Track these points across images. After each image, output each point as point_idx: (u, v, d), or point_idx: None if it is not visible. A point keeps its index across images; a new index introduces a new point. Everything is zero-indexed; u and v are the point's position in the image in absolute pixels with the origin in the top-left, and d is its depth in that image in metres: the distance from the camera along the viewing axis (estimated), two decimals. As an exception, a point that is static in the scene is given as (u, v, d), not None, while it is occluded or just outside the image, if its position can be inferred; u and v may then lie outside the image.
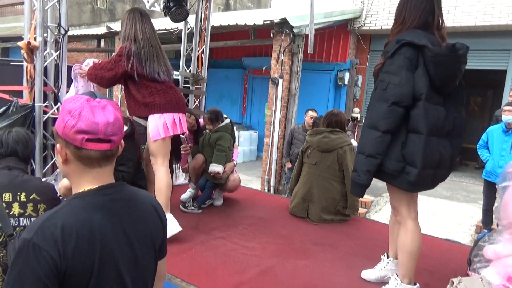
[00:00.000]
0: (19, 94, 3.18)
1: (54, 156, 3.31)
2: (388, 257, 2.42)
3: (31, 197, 1.98)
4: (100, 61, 2.80)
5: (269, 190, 7.07)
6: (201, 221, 3.21)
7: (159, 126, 2.67)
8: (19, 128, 2.19)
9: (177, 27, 8.73)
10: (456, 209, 6.53)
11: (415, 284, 2.12)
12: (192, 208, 3.42)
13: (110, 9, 17.65)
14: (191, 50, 4.50)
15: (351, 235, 3.16)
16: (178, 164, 4.52)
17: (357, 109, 8.84)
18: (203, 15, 4.45)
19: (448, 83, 1.91)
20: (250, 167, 9.25)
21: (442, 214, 6.29)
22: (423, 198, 6.83)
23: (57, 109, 3.21)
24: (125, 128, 2.69)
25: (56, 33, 3.12)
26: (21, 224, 1.93)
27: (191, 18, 4.51)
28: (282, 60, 6.76)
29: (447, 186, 7.73)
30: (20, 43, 2.98)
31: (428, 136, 1.86)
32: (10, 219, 1.90)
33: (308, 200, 3.39)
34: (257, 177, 7.94)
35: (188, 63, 4.53)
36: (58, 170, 3.21)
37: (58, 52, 3.13)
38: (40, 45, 2.98)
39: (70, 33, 11.13)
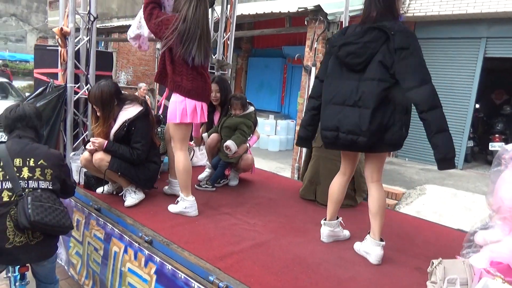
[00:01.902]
0: (55, 76, 3.54)
1: (84, 132, 3.65)
2: None
3: (39, 163, 2.26)
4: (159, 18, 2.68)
5: (299, 177, 7.13)
6: (212, 198, 3.39)
7: (178, 110, 2.71)
8: (24, 104, 2.47)
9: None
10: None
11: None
12: (206, 186, 3.62)
13: None
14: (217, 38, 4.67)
15: (356, 219, 3.18)
16: (201, 146, 4.74)
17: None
18: (229, 3, 4.59)
19: (346, 63, 2.28)
20: (285, 156, 9.34)
21: (478, 209, 6.00)
22: (459, 193, 6.55)
23: (87, 89, 3.53)
24: (140, 108, 2.93)
25: (86, 20, 3.41)
26: (30, 186, 2.22)
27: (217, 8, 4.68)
28: (315, 47, 6.74)
29: (488, 181, 7.30)
30: (55, 29, 3.31)
31: (326, 104, 2.35)
32: (20, 181, 2.19)
33: (316, 182, 3.45)
34: (291, 165, 8.02)
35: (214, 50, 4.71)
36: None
37: (88, 37, 3.42)
38: (71, 31, 3.28)
39: (121, 23, 11.68)
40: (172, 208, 2.94)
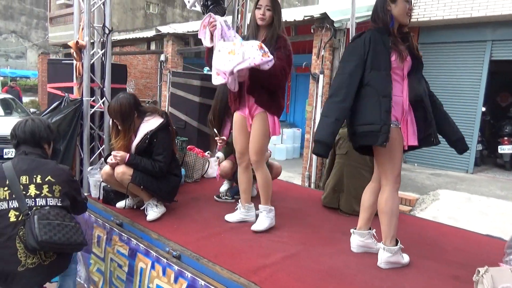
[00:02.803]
0: (70, 90, 3.49)
1: (100, 146, 3.60)
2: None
3: (46, 179, 2.18)
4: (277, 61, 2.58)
5: (309, 186, 7.06)
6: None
7: (276, 124, 2.77)
8: (33, 117, 2.40)
9: (221, 27, 8.99)
10: (510, 208, 6.11)
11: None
12: (226, 198, 3.55)
13: (161, 13, 18.47)
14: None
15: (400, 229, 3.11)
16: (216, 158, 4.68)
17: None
18: (240, 13, 4.58)
19: None
20: (293, 164, 9.27)
21: (494, 214, 5.93)
22: (473, 197, 6.48)
23: (103, 103, 3.48)
24: (161, 120, 2.88)
25: (101, 33, 3.38)
26: (37, 204, 2.13)
27: (229, 16, 4.66)
28: (322, 55, 6.73)
29: (502, 185, 7.26)
30: (70, 43, 3.27)
31: None
32: (26, 199, 2.10)
33: (339, 190, 3.38)
34: (299, 174, 7.95)
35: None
36: (102, 159, 3.48)
37: (104, 50, 3.39)
38: (87, 44, 3.25)
39: (123, 37, 11.77)
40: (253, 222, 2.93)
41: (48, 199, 2.18)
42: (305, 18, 6.67)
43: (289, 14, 7.53)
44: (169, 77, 10.23)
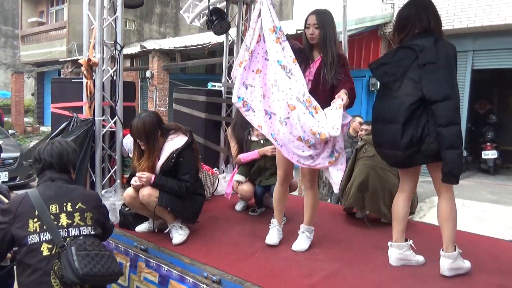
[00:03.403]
0: (78, 110, 3.32)
1: (111, 168, 3.43)
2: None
3: (77, 207, 2.02)
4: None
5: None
6: (255, 228, 3.21)
7: None
8: (59, 140, 2.23)
9: (209, 42, 8.95)
10: (505, 212, 6.28)
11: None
12: (261, 209, 3.60)
13: (138, 29, 18.25)
14: (233, 62, 4.59)
15: (411, 237, 3.09)
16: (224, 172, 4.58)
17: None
18: (243, 27, 4.55)
19: (381, 82, 2.48)
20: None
21: (491, 218, 6.07)
22: (467, 203, 6.62)
23: (114, 123, 3.33)
24: (186, 138, 2.77)
25: (112, 49, 3.25)
26: (70, 235, 1.97)
27: (232, 31, 4.63)
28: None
29: (491, 189, 7.47)
30: (81, 61, 3.13)
31: (374, 123, 2.55)
32: (59, 230, 1.95)
33: (363, 190, 3.32)
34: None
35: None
36: (117, 182, 3.31)
37: (116, 67, 3.26)
38: (99, 62, 3.11)
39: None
40: None
41: (81, 228, 2.02)
42: (298, 32, 6.73)
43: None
44: (155, 93, 10.11)
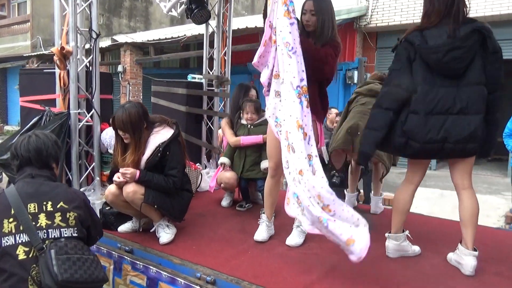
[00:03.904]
0: (50, 103, 3.07)
1: (89, 165, 3.20)
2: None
3: (58, 206, 1.84)
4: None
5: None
6: (245, 224, 3.08)
7: (322, 133, 2.72)
8: (37, 132, 2.01)
9: (184, 35, 8.69)
10: (480, 201, 6.42)
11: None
12: (248, 205, 3.45)
13: (107, 23, 17.61)
14: (213, 53, 4.42)
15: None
16: (207, 169, 4.42)
17: (368, 107, 8.79)
18: (223, 16, 4.38)
19: (444, 68, 2.14)
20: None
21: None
22: (445, 193, 6.74)
23: (91, 116, 3.11)
24: (172, 130, 2.60)
25: (88, 37, 3.02)
26: (50, 236, 1.78)
27: (212, 21, 4.45)
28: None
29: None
30: (53, 49, 2.88)
31: (426, 115, 2.15)
32: (37, 231, 1.76)
33: (353, 133, 3.15)
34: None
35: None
36: (96, 179, 3.10)
37: (91, 57, 3.03)
38: (73, 50, 2.88)
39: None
40: None
41: (62, 229, 1.83)
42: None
43: (259, 21, 7.43)
44: (128, 88, 9.75)
